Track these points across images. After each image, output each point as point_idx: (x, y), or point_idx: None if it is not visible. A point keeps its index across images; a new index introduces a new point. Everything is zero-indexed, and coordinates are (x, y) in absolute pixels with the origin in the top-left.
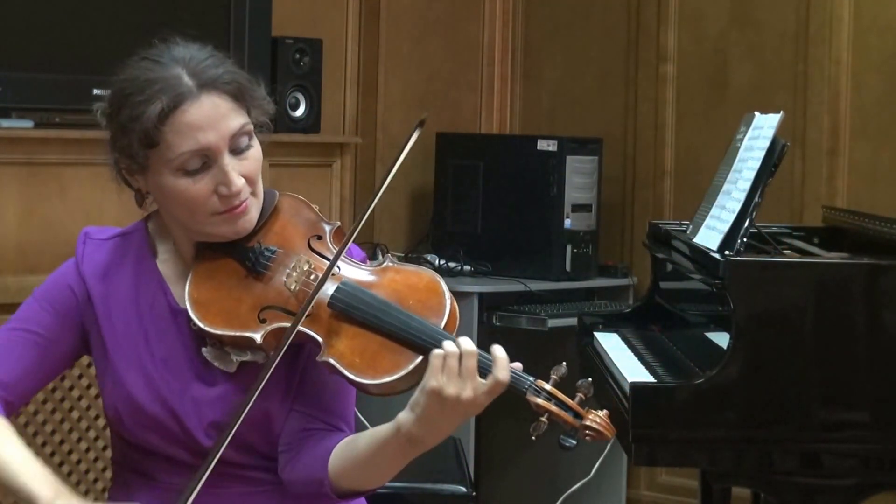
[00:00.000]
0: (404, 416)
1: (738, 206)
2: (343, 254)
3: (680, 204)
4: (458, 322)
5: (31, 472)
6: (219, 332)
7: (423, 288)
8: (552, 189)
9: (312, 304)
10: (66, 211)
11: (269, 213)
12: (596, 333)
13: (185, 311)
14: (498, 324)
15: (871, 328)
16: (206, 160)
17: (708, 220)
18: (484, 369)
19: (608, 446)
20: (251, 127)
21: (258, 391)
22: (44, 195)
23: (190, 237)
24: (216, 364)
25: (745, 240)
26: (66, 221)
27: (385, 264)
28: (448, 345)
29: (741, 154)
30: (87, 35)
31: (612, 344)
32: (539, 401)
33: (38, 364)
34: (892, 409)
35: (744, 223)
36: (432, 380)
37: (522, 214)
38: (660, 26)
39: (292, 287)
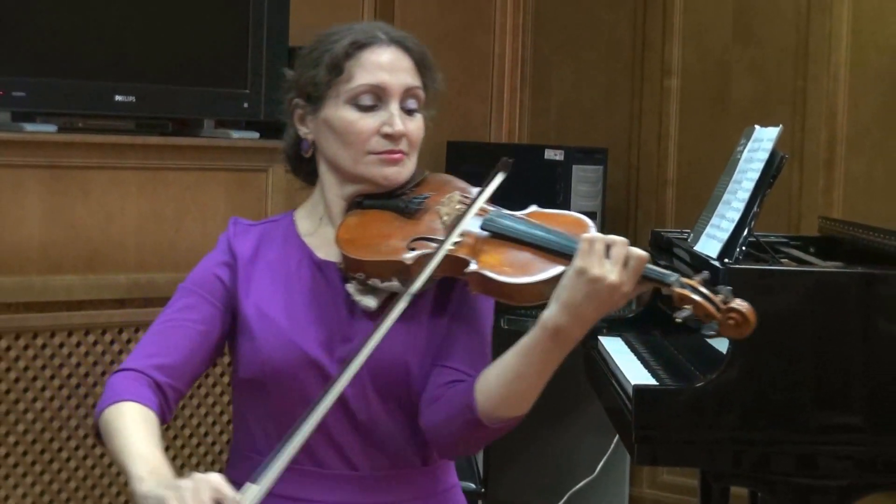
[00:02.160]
0: (548, 310)
1: (737, 216)
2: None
3: (681, 213)
4: None
5: (138, 452)
6: (367, 259)
7: (571, 221)
8: (558, 196)
9: (461, 223)
10: (88, 213)
11: (417, 181)
12: (600, 338)
13: (331, 262)
14: (506, 327)
15: (865, 334)
16: (378, 101)
17: (708, 229)
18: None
19: (612, 447)
20: (423, 94)
21: (407, 296)
22: (67, 197)
23: (342, 195)
24: (359, 299)
25: (743, 248)
26: (88, 223)
27: (531, 210)
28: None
29: (741, 165)
30: (109, 41)
31: (616, 348)
32: (685, 292)
33: (197, 348)
34: (885, 413)
35: (743, 232)
36: (579, 260)
37: None
38: (664, 41)
39: (444, 219)
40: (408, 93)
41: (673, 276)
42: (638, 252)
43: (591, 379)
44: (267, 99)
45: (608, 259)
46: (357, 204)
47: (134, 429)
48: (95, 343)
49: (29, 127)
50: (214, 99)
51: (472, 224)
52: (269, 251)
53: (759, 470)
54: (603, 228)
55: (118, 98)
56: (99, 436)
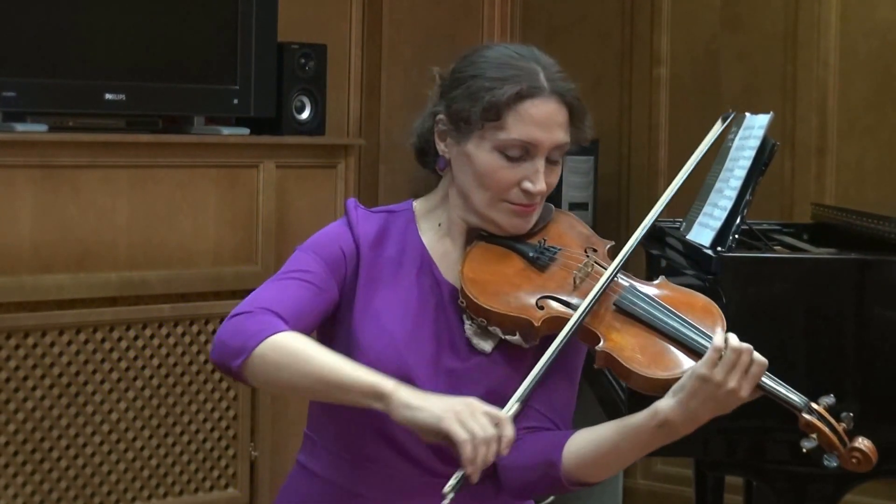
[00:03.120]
0: (664, 401)
1: (729, 204)
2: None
3: (673, 202)
4: None
5: (357, 369)
6: (494, 310)
7: (700, 307)
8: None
9: (597, 297)
10: (79, 212)
11: (545, 222)
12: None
13: (450, 284)
14: None
15: (859, 321)
16: (525, 154)
17: (701, 218)
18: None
19: None
20: (568, 147)
21: (549, 360)
22: (58, 196)
23: (466, 218)
24: (474, 341)
25: (736, 236)
26: (79, 222)
27: (659, 282)
28: (730, 340)
29: (732, 154)
30: (99, 40)
31: None
32: (812, 419)
33: (310, 305)
34: (880, 401)
35: (735, 220)
36: (705, 368)
37: None
38: (653, 31)
39: (577, 282)
40: (556, 148)
41: (803, 400)
42: (760, 359)
43: (584, 370)
44: (256, 95)
45: (733, 368)
46: (481, 235)
47: (327, 351)
48: (87, 342)
49: (19, 127)
50: (204, 96)
51: (607, 296)
52: (389, 246)
53: (754, 459)
54: (595, 220)
55: (108, 96)
56: (230, 370)
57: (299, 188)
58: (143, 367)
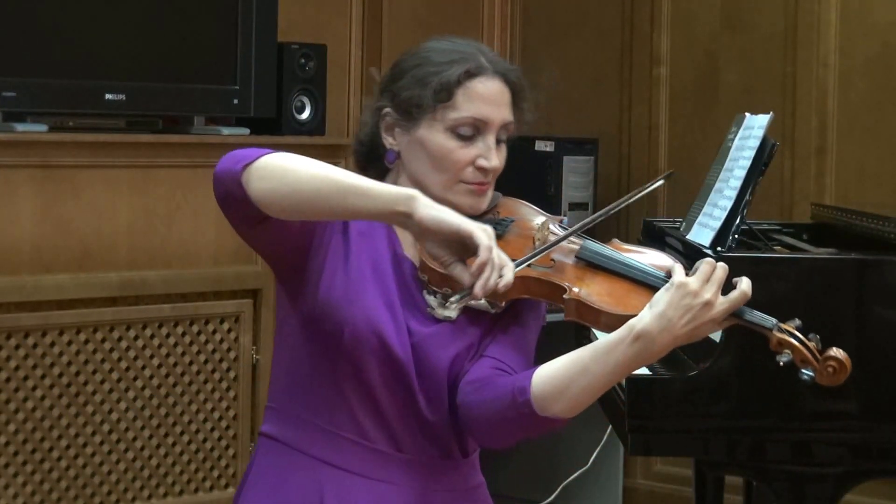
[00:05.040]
0: (640, 315)
1: (729, 204)
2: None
3: (673, 202)
4: None
5: (381, 184)
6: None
7: (654, 256)
8: (550, 188)
9: (554, 249)
10: (79, 211)
11: (495, 204)
12: (593, 328)
13: (410, 261)
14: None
15: (859, 321)
16: (477, 132)
17: (700, 218)
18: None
19: (605, 438)
20: (513, 127)
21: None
22: (58, 196)
23: None
24: (440, 312)
25: (736, 236)
26: (80, 222)
27: (614, 241)
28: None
29: (732, 153)
30: (99, 40)
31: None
32: (784, 336)
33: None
34: (880, 400)
35: (735, 220)
36: (680, 277)
37: None
38: (653, 30)
39: (537, 243)
40: (503, 127)
41: (771, 322)
42: (744, 282)
43: None
44: (256, 95)
45: (709, 280)
46: None
47: (339, 168)
48: (87, 342)
49: (20, 127)
50: (204, 96)
51: (566, 254)
52: (359, 222)
53: (754, 458)
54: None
55: (108, 96)
56: (227, 186)
57: None
58: (143, 367)
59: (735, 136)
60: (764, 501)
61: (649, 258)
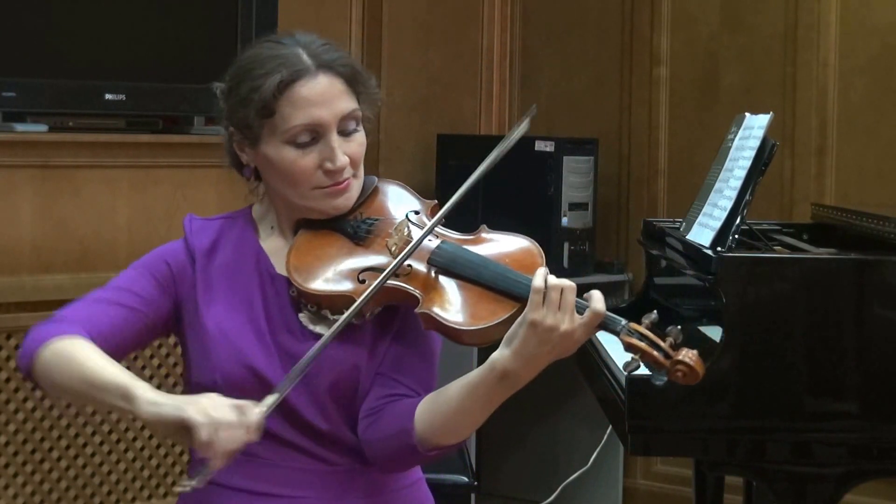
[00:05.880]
0: (499, 353)
1: (729, 204)
2: (439, 224)
3: (673, 202)
4: None
5: (119, 373)
6: (318, 291)
7: (518, 250)
8: (550, 188)
9: (409, 256)
10: (79, 212)
11: (367, 195)
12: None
13: (283, 277)
14: None
15: (859, 321)
16: (316, 135)
17: (700, 218)
18: (581, 308)
19: (605, 438)
20: (360, 113)
21: (343, 320)
22: (58, 196)
23: (291, 215)
24: (310, 328)
25: (736, 236)
26: (79, 222)
27: (480, 234)
28: (549, 279)
29: (732, 153)
30: (98, 40)
31: (608, 337)
32: (633, 340)
33: (127, 323)
34: (880, 400)
35: (735, 220)
36: (532, 312)
37: (521, 213)
38: (653, 30)
39: (392, 249)
40: (344, 119)
41: (621, 323)
42: (595, 299)
43: (584, 369)
44: None
45: (560, 308)
46: (306, 222)
47: (99, 355)
48: None
49: (19, 127)
50: (204, 96)
51: (425, 247)
52: (226, 250)
53: (754, 458)
54: (595, 219)
55: (108, 97)
56: (28, 376)
57: None
58: (143, 368)
59: (735, 136)
60: (764, 501)
61: (512, 253)
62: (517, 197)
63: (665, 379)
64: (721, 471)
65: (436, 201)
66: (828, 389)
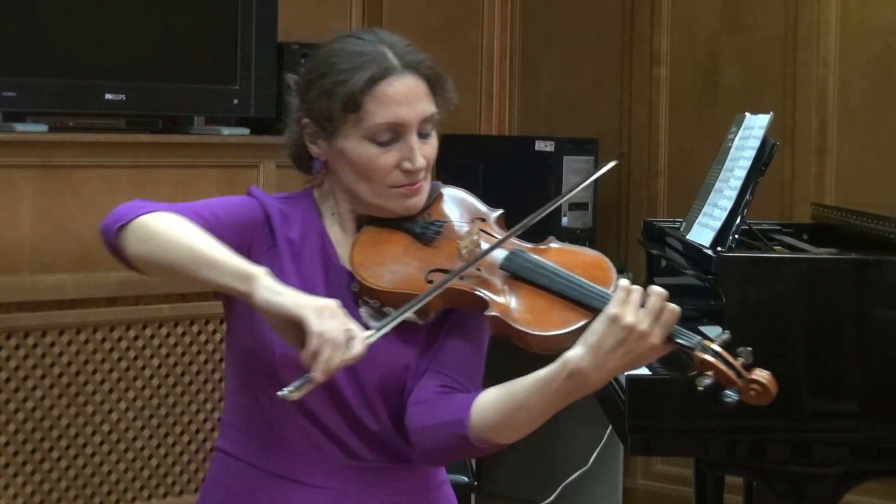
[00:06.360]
0: (573, 350)
1: (729, 204)
2: (516, 235)
3: (673, 202)
4: None
5: (228, 253)
6: (384, 289)
7: (590, 262)
8: (550, 188)
9: (482, 258)
10: (79, 211)
11: (433, 198)
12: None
13: (344, 268)
14: None
15: (859, 320)
16: (396, 135)
17: (701, 218)
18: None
19: (605, 438)
20: (437, 117)
21: (427, 297)
22: (58, 196)
23: (354, 209)
24: (371, 324)
25: (736, 236)
26: (80, 222)
27: (550, 244)
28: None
29: (732, 153)
30: (99, 40)
31: None
32: (707, 357)
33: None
34: (880, 400)
35: (735, 220)
36: (614, 307)
37: (521, 213)
38: (653, 30)
39: (463, 252)
40: (424, 121)
41: (695, 339)
42: (672, 306)
43: None
44: (257, 95)
45: (643, 308)
46: (370, 219)
47: (207, 235)
48: (87, 342)
49: (20, 127)
50: (204, 96)
51: (497, 254)
52: (292, 228)
53: (754, 458)
54: (595, 219)
55: (108, 97)
56: (111, 241)
57: (299, 187)
58: (143, 367)
59: (735, 136)
60: (764, 501)
61: (583, 264)
62: (517, 197)
63: (737, 397)
64: (721, 471)
65: (502, 210)
66: (828, 389)
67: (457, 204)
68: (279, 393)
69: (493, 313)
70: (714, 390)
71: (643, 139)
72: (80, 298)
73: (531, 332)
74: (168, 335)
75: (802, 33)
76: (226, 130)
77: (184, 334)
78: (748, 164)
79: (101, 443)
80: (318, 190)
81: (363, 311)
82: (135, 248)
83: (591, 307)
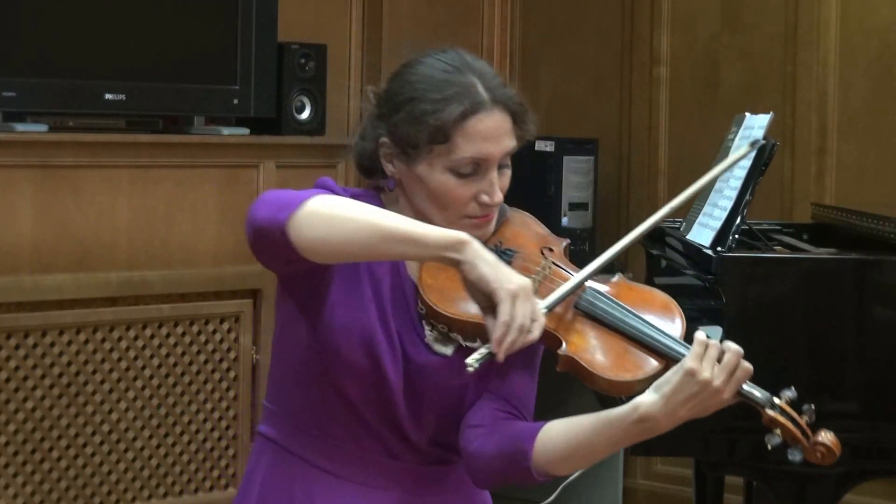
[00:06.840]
0: (646, 397)
1: (729, 204)
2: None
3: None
4: None
5: (428, 228)
6: (454, 316)
7: (659, 304)
8: (550, 188)
9: (563, 300)
10: (79, 211)
11: (500, 223)
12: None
13: (411, 280)
14: None
15: (859, 320)
16: (477, 167)
17: (701, 218)
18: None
19: None
20: (516, 148)
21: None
22: (58, 196)
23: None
24: (435, 347)
25: (736, 236)
26: (80, 222)
27: (617, 280)
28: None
29: (732, 154)
30: (99, 40)
31: None
32: (775, 415)
33: None
34: (880, 400)
35: (735, 220)
36: (690, 362)
37: None
38: (653, 30)
39: (536, 285)
40: (505, 155)
41: (765, 396)
42: (746, 364)
43: None
44: (256, 95)
45: (718, 364)
46: None
47: (379, 210)
48: (87, 342)
49: (20, 127)
50: (204, 96)
51: (567, 301)
52: None
53: (754, 459)
54: (595, 219)
55: (108, 97)
56: (279, 231)
57: (299, 188)
58: (143, 367)
59: (735, 136)
60: (764, 501)
61: (652, 307)
62: (517, 197)
63: (801, 456)
64: (721, 471)
65: (568, 240)
66: (828, 389)
67: (526, 231)
68: (469, 368)
69: (566, 353)
70: (781, 448)
71: (643, 139)
72: (80, 298)
73: (604, 376)
74: (168, 335)
75: (802, 33)
76: (226, 130)
77: (184, 334)
78: (748, 164)
79: (101, 443)
80: (385, 195)
81: (428, 332)
82: (309, 234)
83: (664, 356)
